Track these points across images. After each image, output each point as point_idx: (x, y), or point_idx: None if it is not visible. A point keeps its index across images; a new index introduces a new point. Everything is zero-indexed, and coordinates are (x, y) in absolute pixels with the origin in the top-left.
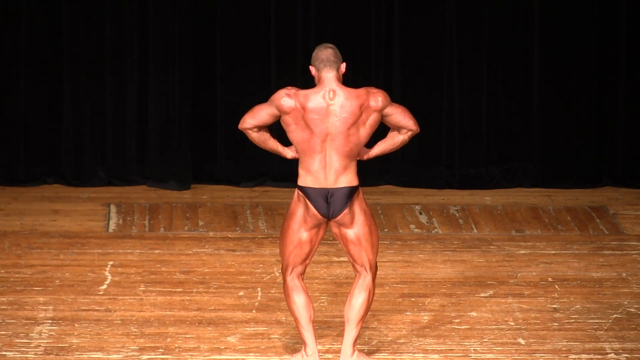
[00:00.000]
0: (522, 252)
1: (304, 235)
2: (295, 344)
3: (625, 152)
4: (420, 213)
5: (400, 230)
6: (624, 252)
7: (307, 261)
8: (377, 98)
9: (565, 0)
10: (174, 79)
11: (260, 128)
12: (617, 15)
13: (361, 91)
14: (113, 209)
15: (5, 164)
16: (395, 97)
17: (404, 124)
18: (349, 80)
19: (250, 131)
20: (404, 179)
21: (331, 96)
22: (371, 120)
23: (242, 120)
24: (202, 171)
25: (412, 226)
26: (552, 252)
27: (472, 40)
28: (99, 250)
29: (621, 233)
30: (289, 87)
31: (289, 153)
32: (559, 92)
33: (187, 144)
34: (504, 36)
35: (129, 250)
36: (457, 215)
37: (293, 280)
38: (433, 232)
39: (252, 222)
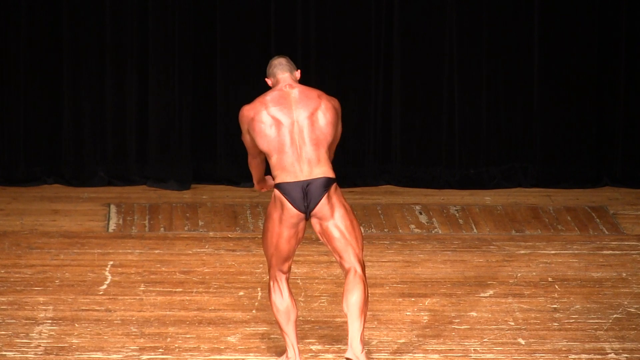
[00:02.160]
0: (522, 252)
1: (282, 236)
2: None
3: (625, 152)
4: (420, 213)
5: (400, 230)
6: (624, 252)
7: (289, 261)
8: (332, 98)
9: (565, 0)
10: (174, 78)
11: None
12: (617, 15)
13: (316, 89)
14: (113, 209)
15: (5, 164)
16: (396, 98)
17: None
18: (350, 80)
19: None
20: (404, 179)
21: (288, 88)
22: (330, 111)
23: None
24: (202, 171)
25: (412, 226)
26: (552, 252)
27: (472, 40)
28: (99, 250)
29: (621, 233)
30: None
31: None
32: (559, 92)
33: (187, 144)
34: (504, 36)
35: (129, 250)
36: (457, 215)
37: (276, 283)
38: (433, 232)
39: (252, 222)
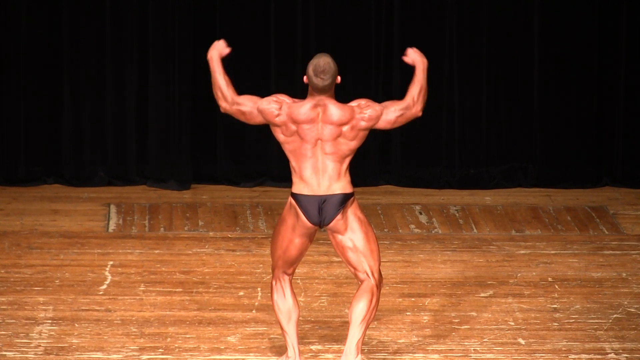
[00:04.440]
0: (522, 252)
1: (293, 242)
2: None
3: (625, 152)
4: (420, 213)
5: (400, 230)
6: (624, 252)
7: (296, 264)
8: (363, 115)
9: (565, 0)
10: (174, 79)
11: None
12: (617, 15)
13: (351, 106)
14: (113, 209)
15: (5, 164)
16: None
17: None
18: (350, 80)
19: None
20: (404, 179)
21: (320, 106)
22: (355, 131)
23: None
24: (202, 171)
25: (412, 226)
26: (552, 252)
27: (472, 40)
28: (99, 250)
29: (621, 233)
30: (281, 95)
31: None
32: (559, 92)
33: (187, 144)
34: (504, 37)
35: (129, 250)
36: (457, 215)
37: (279, 282)
38: (433, 232)
39: (252, 222)
